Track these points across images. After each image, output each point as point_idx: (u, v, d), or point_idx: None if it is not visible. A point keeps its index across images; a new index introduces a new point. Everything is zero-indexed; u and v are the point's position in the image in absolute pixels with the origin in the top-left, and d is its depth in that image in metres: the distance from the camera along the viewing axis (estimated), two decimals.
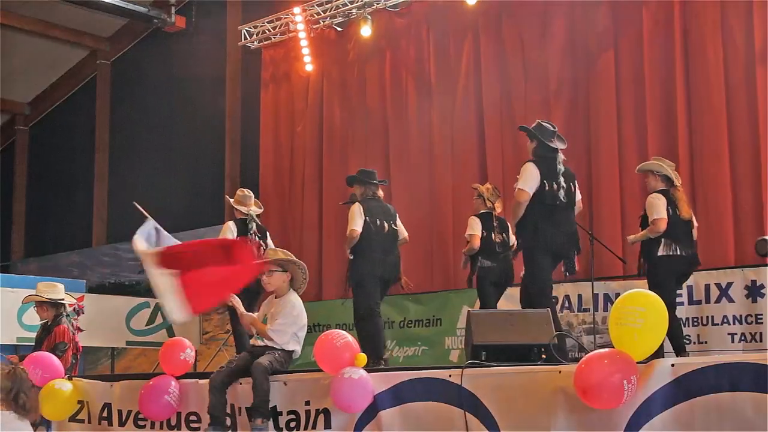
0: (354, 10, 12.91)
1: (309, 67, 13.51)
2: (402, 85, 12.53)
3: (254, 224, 9.23)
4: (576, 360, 5.19)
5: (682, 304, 9.14)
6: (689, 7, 10.12)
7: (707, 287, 9.14)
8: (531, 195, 7.23)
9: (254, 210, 9.32)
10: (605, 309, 9.42)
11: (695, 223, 8.08)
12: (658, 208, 7.79)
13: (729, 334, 8.95)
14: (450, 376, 5.50)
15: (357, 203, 8.42)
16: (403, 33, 12.61)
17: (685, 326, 9.10)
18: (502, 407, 5.25)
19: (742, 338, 8.88)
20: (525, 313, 6.52)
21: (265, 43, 14.10)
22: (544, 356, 5.83)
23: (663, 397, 4.70)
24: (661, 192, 7.93)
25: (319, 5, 13.18)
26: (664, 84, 10.21)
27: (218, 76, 15.49)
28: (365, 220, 8.28)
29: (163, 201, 15.74)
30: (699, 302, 9.16)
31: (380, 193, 8.67)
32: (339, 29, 13.34)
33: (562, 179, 7.34)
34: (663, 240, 7.75)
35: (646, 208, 8.02)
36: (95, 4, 14.85)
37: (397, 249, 8.64)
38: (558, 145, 7.48)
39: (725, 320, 8.99)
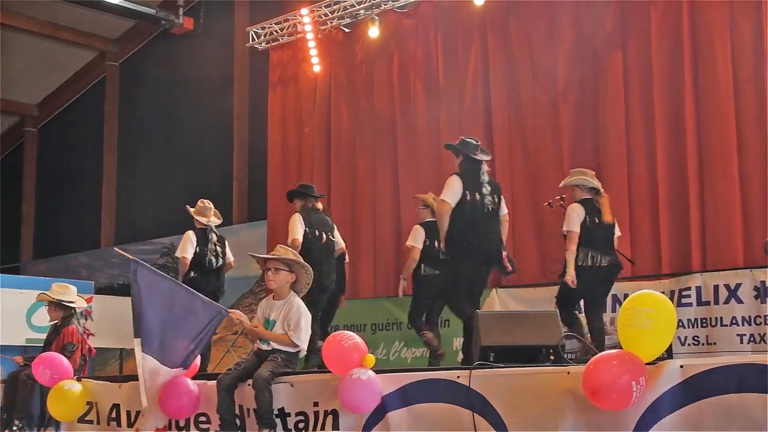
0: (361, 11, 12.92)
1: (317, 68, 13.52)
2: (410, 86, 12.52)
3: (214, 235, 9.59)
4: (584, 361, 5.19)
5: (690, 305, 9.14)
6: (697, 7, 10.08)
7: (716, 288, 9.11)
8: (453, 206, 7.50)
9: (213, 221, 9.63)
10: (613, 310, 9.40)
11: (618, 232, 8.16)
12: (572, 220, 7.88)
13: (738, 335, 8.92)
14: (458, 377, 5.50)
15: (296, 213, 8.80)
16: (411, 34, 12.61)
17: (693, 327, 9.11)
18: (511, 408, 5.24)
19: (751, 339, 8.85)
20: (533, 315, 6.52)
21: (272, 44, 14.11)
22: (552, 357, 5.83)
23: (672, 398, 4.69)
24: (583, 201, 7.96)
25: (326, 6, 13.19)
26: (673, 84, 10.17)
27: (226, 77, 15.53)
28: (305, 230, 8.63)
29: (171, 202, 15.79)
30: (707, 303, 9.13)
31: (319, 205, 9.08)
32: (346, 30, 13.35)
33: (486, 189, 7.62)
34: (582, 249, 7.81)
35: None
36: (103, 5, 14.90)
37: (333, 259, 8.93)
38: (482, 157, 7.77)
39: (734, 321, 8.95)
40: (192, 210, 9.61)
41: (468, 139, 7.87)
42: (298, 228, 8.60)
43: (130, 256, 6.54)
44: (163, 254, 15.96)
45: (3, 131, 20.64)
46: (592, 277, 7.85)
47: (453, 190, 7.53)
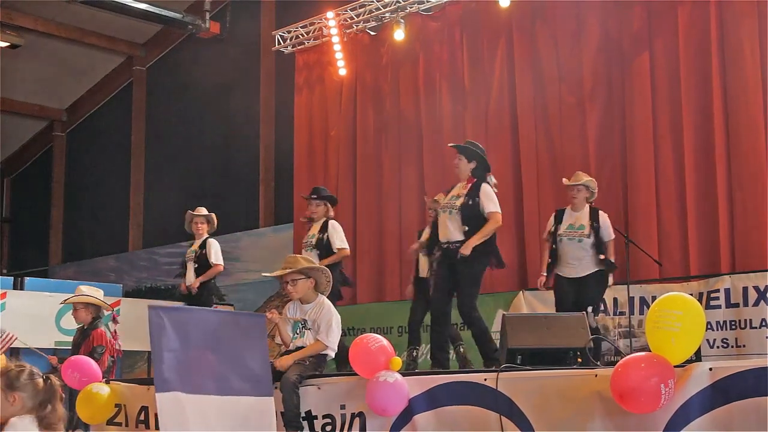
0: (387, 14, 12.93)
1: (342, 71, 13.54)
2: (435, 88, 12.51)
3: None
4: (612, 364, 5.16)
5: (719, 307, 9.07)
6: (725, 7, 10.01)
7: (745, 290, 9.03)
8: None
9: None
10: (641, 312, 9.36)
11: None
12: (610, 228, 8.36)
13: (767, 337, 8.84)
14: (485, 379, 5.48)
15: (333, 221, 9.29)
16: (437, 36, 12.60)
17: (722, 329, 9.03)
18: (538, 411, 5.22)
19: None
20: (560, 317, 6.50)
21: (298, 47, 14.15)
22: (579, 360, 5.81)
23: (701, 401, 4.65)
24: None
25: (352, 9, 13.21)
26: (700, 84, 10.10)
27: (252, 80, 15.59)
28: None
29: (198, 205, 15.86)
30: (737, 305, 9.04)
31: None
32: (372, 33, 13.37)
33: None
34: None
35: (603, 225, 8.42)
36: (130, 10, 14.98)
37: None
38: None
39: (764, 323, 8.86)
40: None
41: (475, 143, 8.06)
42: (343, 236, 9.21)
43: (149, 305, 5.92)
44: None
45: (32, 136, 20.84)
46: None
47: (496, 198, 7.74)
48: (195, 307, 6.88)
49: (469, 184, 7.70)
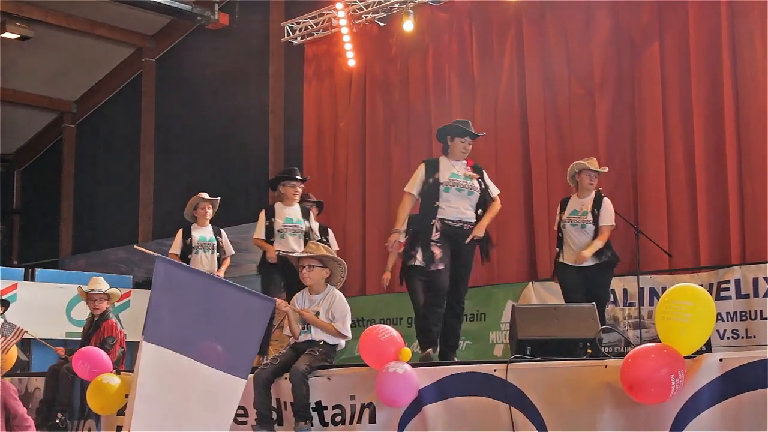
0: (396, 5, 12.91)
1: (352, 63, 13.54)
2: (445, 80, 12.49)
3: None
4: (622, 355, 5.16)
5: (729, 298, 9.06)
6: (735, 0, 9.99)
7: (755, 281, 9.01)
8: None
9: None
10: (651, 303, 9.35)
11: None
12: (613, 215, 8.23)
13: None
14: (495, 370, 5.50)
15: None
16: (446, 27, 12.58)
17: (732, 320, 9.02)
18: (548, 402, 5.23)
19: None
20: (569, 308, 6.50)
21: (307, 39, 14.16)
22: (589, 351, 5.81)
23: (711, 392, 4.66)
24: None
25: (361, 0, 13.20)
26: (711, 77, 10.06)
27: (261, 72, 15.58)
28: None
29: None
30: (747, 296, 9.03)
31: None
32: (381, 24, 13.35)
33: None
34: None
35: (603, 210, 8.22)
36: (140, 2, 15.00)
37: None
38: None
39: None
40: None
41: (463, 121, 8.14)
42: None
43: (153, 252, 6.08)
44: None
45: (42, 128, 20.88)
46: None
47: None
48: (204, 272, 6.83)
49: (469, 166, 7.56)
